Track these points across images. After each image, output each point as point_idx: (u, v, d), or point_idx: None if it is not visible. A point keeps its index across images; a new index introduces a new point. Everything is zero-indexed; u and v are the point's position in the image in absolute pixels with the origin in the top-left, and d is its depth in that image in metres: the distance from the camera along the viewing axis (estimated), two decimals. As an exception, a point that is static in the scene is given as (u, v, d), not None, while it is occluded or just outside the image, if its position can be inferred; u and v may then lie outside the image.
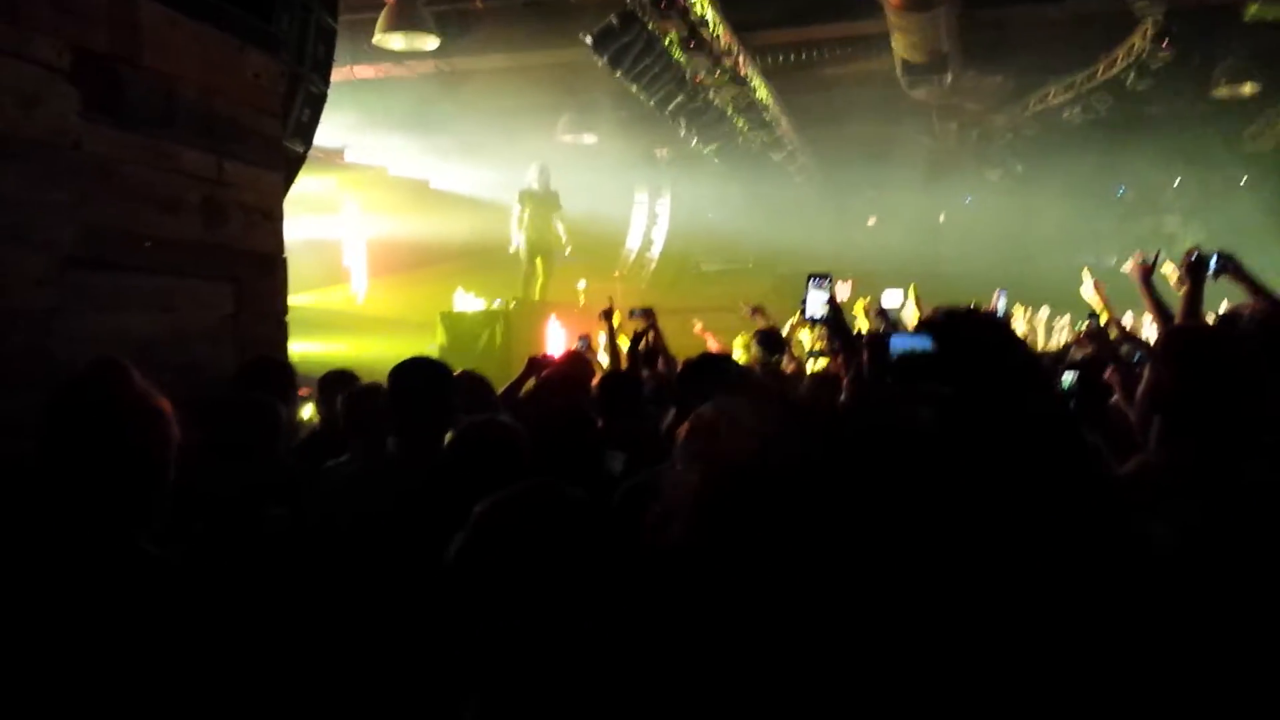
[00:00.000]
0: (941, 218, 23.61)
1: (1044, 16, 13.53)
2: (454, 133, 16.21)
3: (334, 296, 17.42)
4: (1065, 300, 10.36)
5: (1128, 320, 7.24)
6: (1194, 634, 0.97)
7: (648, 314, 6.05)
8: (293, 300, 5.38)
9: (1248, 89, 14.21)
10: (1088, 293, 5.99)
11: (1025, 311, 12.34)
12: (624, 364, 6.51)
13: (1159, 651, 0.95)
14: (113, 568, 1.90)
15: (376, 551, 2.69)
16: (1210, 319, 4.57)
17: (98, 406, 2.01)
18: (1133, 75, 13.65)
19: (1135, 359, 4.33)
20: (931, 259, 20.94)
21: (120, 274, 4.10)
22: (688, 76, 13.39)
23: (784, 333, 9.97)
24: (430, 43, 11.54)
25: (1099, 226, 21.72)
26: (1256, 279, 4.32)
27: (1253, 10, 11.27)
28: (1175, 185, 22.13)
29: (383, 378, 3.53)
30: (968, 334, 1.30)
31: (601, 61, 11.80)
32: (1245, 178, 21.16)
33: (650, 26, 11.65)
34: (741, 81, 13.81)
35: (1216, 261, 4.26)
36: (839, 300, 4.16)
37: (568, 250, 15.17)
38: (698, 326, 9.47)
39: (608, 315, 6.62)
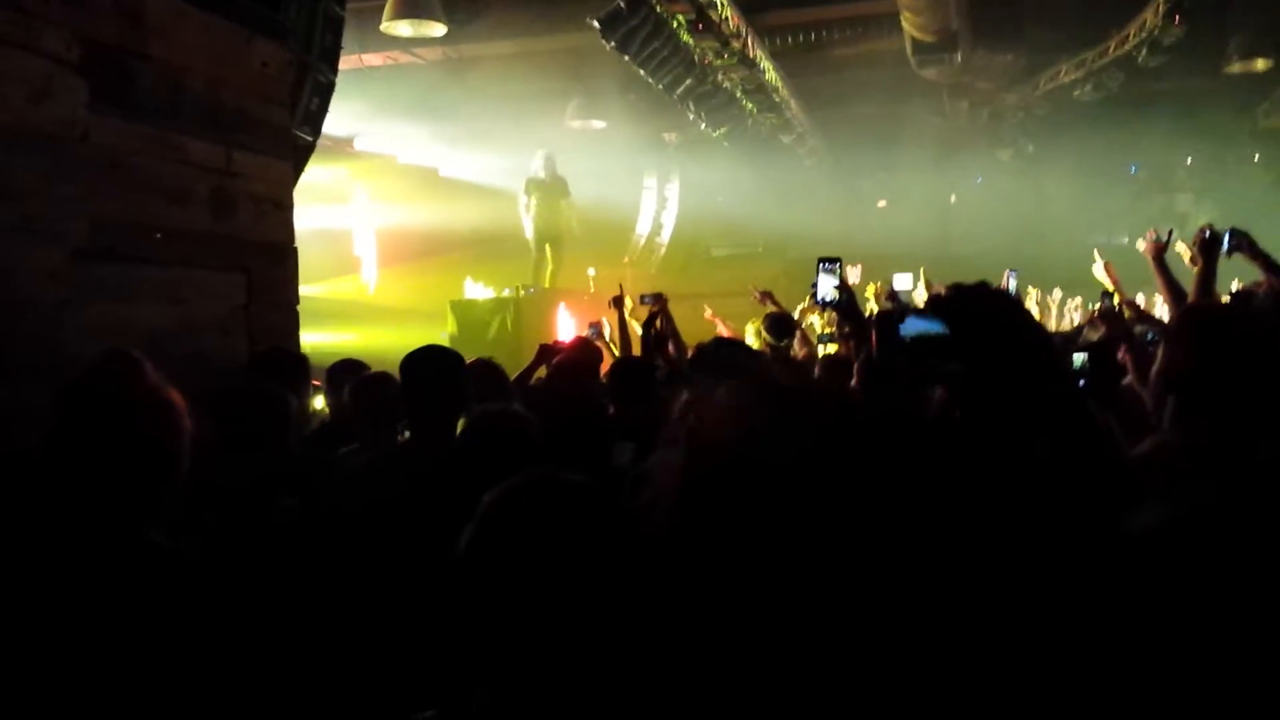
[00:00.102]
0: (952, 199, 23.50)
1: (1054, -7, 13.47)
2: (462, 120, 16.19)
3: (345, 287, 17.45)
4: (1078, 280, 10.32)
5: (1139, 300, 7.19)
6: (1198, 616, 0.96)
7: (658, 299, 6.04)
8: (304, 291, 5.38)
9: (1260, 65, 14.10)
10: (1098, 273, 5.97)
11: (1037, 293, 12.29)
12: (636, 350, 6.51)
13: (1154, 638, 0.94)
14: (120, 559, 1.90)
15: (388, 541, 2.70)
16: (1224, 299, 4.55)
17: (109, 398, 2.02)
18: (1144, 52, 13.55)
19: (1149, 338, 4.30)
20: (942, 240, 20.89)
21: (130, 266, 4.10)
22: (696, 59, 13.35)
23: (795, 317, 9.96)
24: (438, 30, 11.53)
25: (1111, 205, 21.60)
26: (1270, 256, 4.29)
27: None
28: (1187, 163, 21.98)
29: (394, 367, 3.53)
30: (976, 309, 1.29)
31: (609, 45, 11.76)
32: (1258, 155, 21.01)
33: (658, 9, 11.61)
34: (750, 64, 13.76)
35: (1230, 239, 4.23)
36: (849, 284, 4.14)
37: (575, 234, 15.16)
38: (708, 312, 9.45)
39: (618, 302, 6.61)
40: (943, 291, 1.36)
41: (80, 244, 3.83)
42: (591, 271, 15.32)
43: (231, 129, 4.73)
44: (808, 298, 8.58)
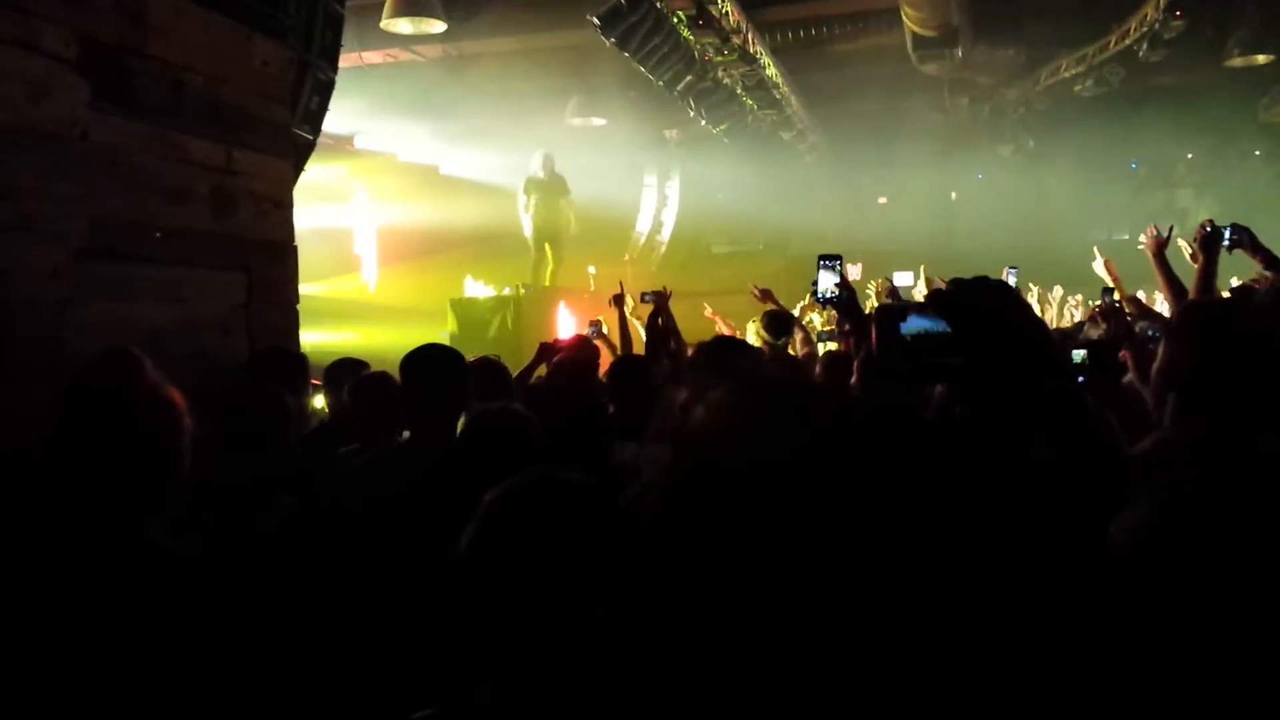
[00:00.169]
0: (953, 195, 23.50)
1: (1055, -13, 13.47)
2: (463, 117, 16.19)
3: (345, 285, 17.46)
4: (1079, 277, 10.31)
5: (1140, 297, 7.19)
6: (1179, 612, 0.96)
7: (659, 296, 6.04)
8: (304, 290, 5.37)
9: (1261, 59, 14.08)
10: (1098, 269, 5.97)
11: (1038, 289, 12.29)
12: (636, 349, 6.51)
13: (1137, 630, 0.94)
14: (121, 558, 1.90)
15: (389, 540, 2.70)
16: (1224, 295, 4.54)
17: (109, 396, 2.02)
18: (1145, 46, 13.55)
19: (1150, 335, 4.30)
20: (943, 237, 20.90)
21: (130, 264, 4.10)
22: (696, 55, 13.34)
23: (795, 315, 9.96)
24: (437, 27, 11.53)
25: (1112, 201, 21.60)
26: (1271, 252, 4.28)
27: None
28: (1188, 158, 21.96)
29: (395, 366, 3.53)
30: (977, 303, 1.29)
31: (610, 42, 11.76)
32: (1259, 150, 20.99)
33: (658, 5, 11.61)
34: (751, 59, 13.75)
35: (1231, 234, 4.23)
36: (850, 281, 4.14)
37: (573, 233, 15.15)
38: (708, 310, 9.45)
39: (618, 300, 6.61)
40: (943, 286, 1.36)
41: (80, 243, 3.83)
42: (592, 269, 15.32)
43: (232, 127, 4.73)
44: (808, 295, 8.57)
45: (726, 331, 8.38)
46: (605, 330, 6.99)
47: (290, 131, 5.46)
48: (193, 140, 4.48)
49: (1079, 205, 21.22)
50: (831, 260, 3.85)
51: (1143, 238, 4.73)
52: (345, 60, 6.70)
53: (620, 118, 16.75)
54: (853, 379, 3.78)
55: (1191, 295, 4.13)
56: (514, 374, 5.04)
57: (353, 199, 18.16)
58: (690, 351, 5.30)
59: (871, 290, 8.01)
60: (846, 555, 0.77)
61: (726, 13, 12.20)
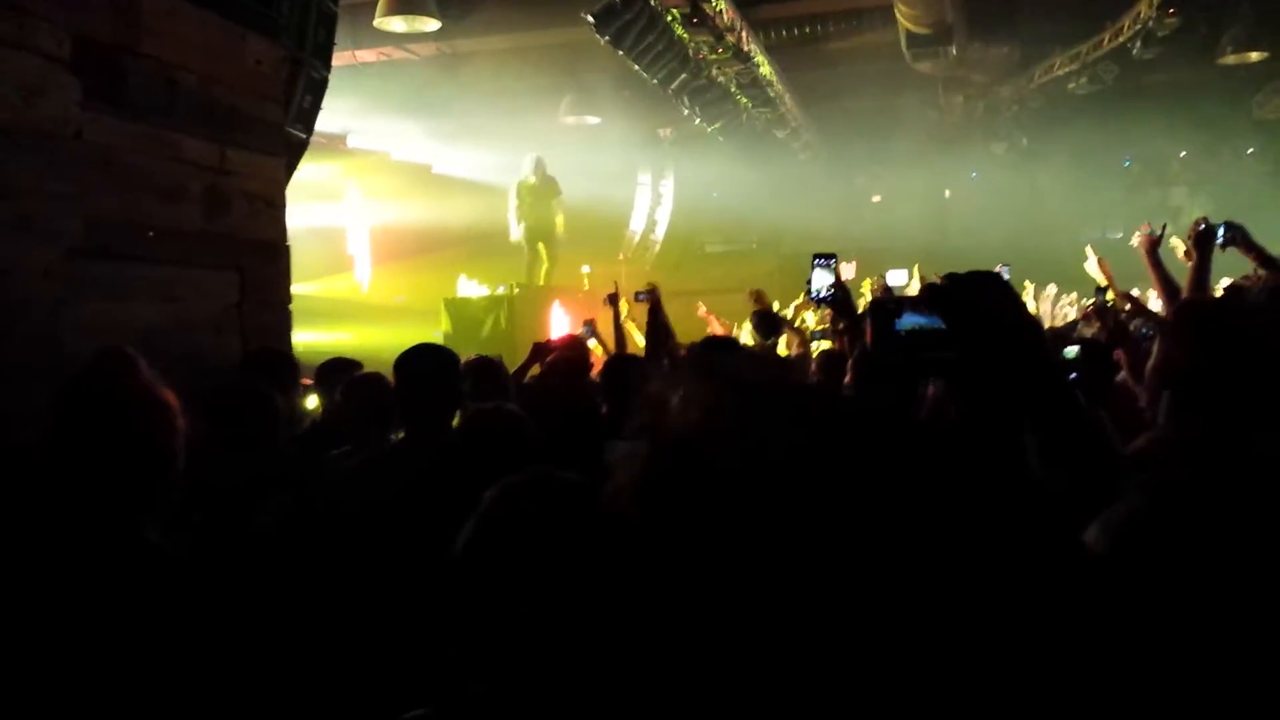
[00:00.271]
0: (947, 193, 23.52)
1: (1049, -15, 13.49)
2: (456, 116, 16.17)
3: (339, 285, 17.43)
4: (1073, 275, 10.33)
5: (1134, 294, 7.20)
6: (1163, 612, 0.96)
7: (652, 293, 6.03)
8: (298, 289, 5.37)
9: (1255, 56, 14.10)
10: (1091, 268, 5.97)
11: (1033, 287, 12.32)
12: (630, 348, 6.51)
13: (1120, 631, 0.94)
14: (114, 558, 1.90)
15: (385, 540, 2.69)
16: (1216, 293, 4.55)
17: (104, 396, 2.01)
18: (1139, 44, 13.57)
19: (1145, 333, 4.30)
20: (937, 235, 20.92)
21: (124, 264, 4.09)
22: (690, 54, 13.33)
23: (789, 314, 9.98)
24: (431, 25, 11.51)
25: (1105, 199, 21.63)
26: (1265, 250, 4.29)
27: None
28: (1182, 156, 22.00)
29: (388, 366, 3.52)
30: (970, 296, 1.29)
31: (604, 40, 11.74)
32: (1253, 147, 21.03)
33: (652, 3, 11.59)
34: (745, 58, 13.75)
35: (1225, 232, 4.23)
36: (844, 280, 4.14)
37: (561, 236, 15.14)
38: (701, 309, 9.46)
39: (613, 299, 6.61)
40: (937, 281, 1.36)
41: (74, 242, 3.82)
42: (586, 269, 15.31)
43: (225, 126, 4.72)
44: (802, 294, 8.58)
45: (720, 330, 8.39)
46: (599, 330, 6.99)
47: (283, 130, 5.45)
48: (186, 139, 4.47)
49: (1073, 203, 21.24)
50: (826, 259, 3.86)
51: (1136, 236, 4.73)
52: (338, 58, 6.68)
53: (614, 116, 16.73)
54: (847, 378, 3.79)
55: (1185, 294, 4.14)
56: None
57: (346, 198, 18.13)
58: (683, 351, 5.31)
59: (866, 289, 8.03)
60: (827, 555, 0.77)
61: (720, 10, 12.19)
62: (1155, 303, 6.06)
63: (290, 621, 2.31)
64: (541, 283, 14.66)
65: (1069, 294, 12.35)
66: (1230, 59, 14.23)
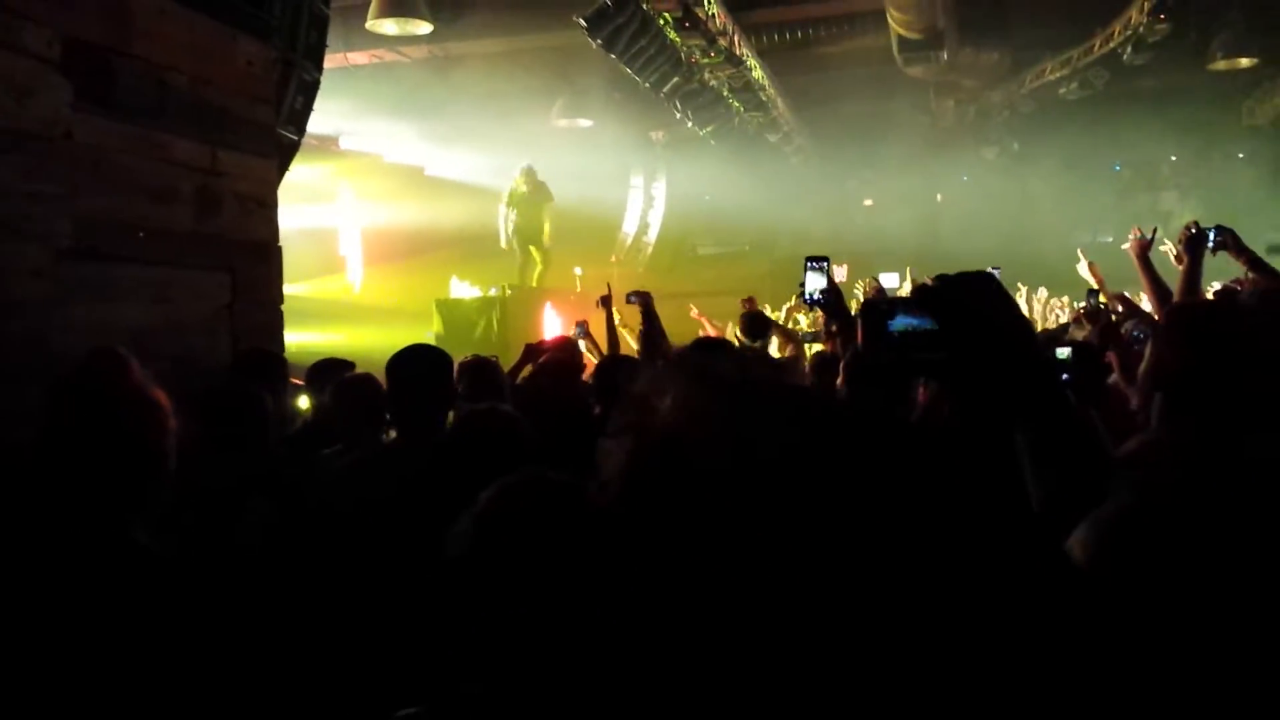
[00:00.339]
0: (938, 197, 23.58)
1: (1040, -9, 13.53)
2: (449, 118, 16.17)
3: (331, 286, 17.41)
4: (1063, 278, 10.35)
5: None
6: (1152, 610, 0.96)
7: (643, 297, 6.03)
8: (290, 290, 5.35)
9: (1245, 62, 14.17)
10: (1083, 271, 5.99)
11: (1025, 290, 12.34)
12: (623, 349, 6.51)
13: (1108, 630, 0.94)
14: (104, 559, 1.89)
15: (378, 541, 2.69)
16: (1208, 298, 4.56)
17: (96, 396, 2.00)
18: (1129, 49, 13.62)
19: (1136, 335, 4.31)
20: (929, 239, 20.96)
21: (114, 265, 4.08)
22: (683, 57, 13.35)
23: (780, 316, 9.99)
24: (423, 28, 11.51)
25: (1096, 203, 21.69)
26: (1255, 254, 4.30)
27: None
28: (1172, 161, 22.09)
29: (381, 366, 3.51)
30: (961, 296, 1.29)
31: (596, 44, 11.75)
32: (1243, 152, 21.12)
33: (644, 7, 11.60)
34: (737, 61, 13.77)
35: (1215, 236, 4.24)
36: (836, 283, 4.14)
37: (546, 244, 15.15)
38: (694, 311, 9.46)
39: (606, 302, 6.60)
40: (929, 282, 1.36)
41: (65, 243, 3.81)
42: (578, 270, 15.31)
43: (216, 127, 4.71)
44: (794, 296, 8.59)
45: (712, 332, 8.40)
46: (591, 331, 6.98)
47: (275, 132, 5.44)
48: (177, 140, 4.46)
49: (1063, 207, 21.30)
50: (819, 262, 3.86)
51: (1130, 238, 4.74)
52: (330, 60, 6.67)
53: (606, 119, 16.75)
54: (839, 380, 3.79)
55: (1176, 297, 4.15)
56: (500, 375, 5.02)
57: (338, 199, 18.11)
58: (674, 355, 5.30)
59: (859, 291, 8.04)
60: (806, 553, 0.77)
61: (713, 14, 12.20)
62: (1146, 305, 6.08)
63: (280, 622, 2.30)
64: (535, 284, 14.66)
65: (1060, 297, 12.37)
66: (1220, 65, 14.30)
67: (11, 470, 2.07)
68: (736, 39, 13.29)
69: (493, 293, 13.73)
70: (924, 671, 0.75)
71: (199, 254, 4.57)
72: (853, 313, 4.13)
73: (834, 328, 4.82)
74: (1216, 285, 5.52)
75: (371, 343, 10.39)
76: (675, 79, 13.90)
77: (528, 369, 5.60)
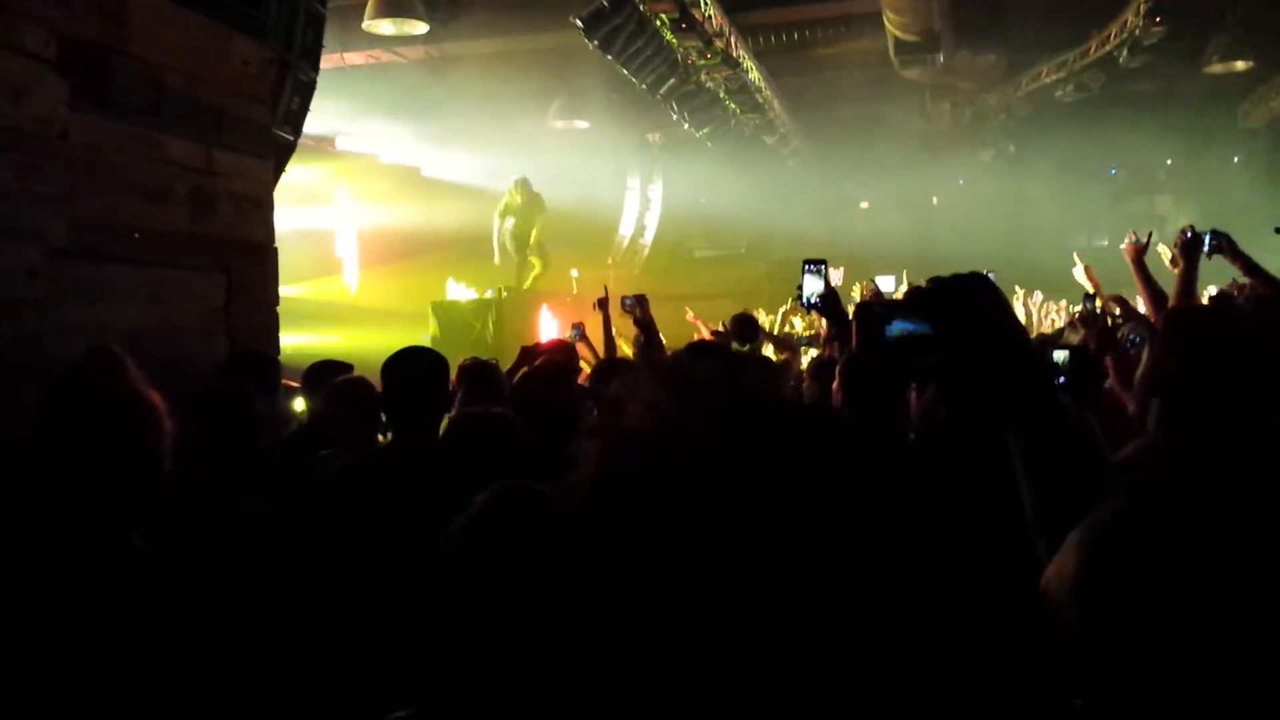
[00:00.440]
0: (934, 200, 23.61)
1: (1036, -7, 13.55)
2: (445, 119, 16.15)
3: (327, 287, 17.38)
4: (1059, 281, 10.37)
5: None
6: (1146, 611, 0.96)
7: (640, 301, 6.02)
8: (286, 292, 5.34)
9: (1240, 65, 14.19)
10: (1079, 275, 6.00)
11: (1022, 293, 12.36)
12: (620, 352, 6.50)
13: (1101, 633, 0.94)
14: (101, 562, 1.89)
15: (376, 542, 2.68)
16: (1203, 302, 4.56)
17: (93, 397, 1.99)
18: (1125, 52, 13.64)
19: (1132, 339, 4.31)
20: (925, 242, 20.97)
21: (109, 265, 4.07)
22: (679, 59, 13.35)
23: (776, 319, 9.99)
24: (420, 28, 11.50)
25: (1092, 206, 21.74)
26: (1250, 258, 4.31)
27: None
28: (1168, 164, 22.13)
29: (376, 368, 3.51)
30: (954, 299, 1.29)
31: (592, 45, 11.74)
32: (1238, 155, 21.16)
33: (641, 8, 11.59)
34: (733, 63, 13.77)
35: (1210, 240, 4.24)
36: (833, 286, 4.13)
37: (533, 250, 15.16)
38: (690, 314, 9.46)
39: (603, 304, 6.59)
40: (923, 284, 1.36)
41: (59, 243, 3.80)
42: (575, 272, 15.30)
43: (212, 127, 4.70)
44: (790, 299, 8.59)
45: (708, 335, 8.39)
46: (588, 333, 6.97)
47: (271, 132, 5.43)
48: (172, 140, 4.44)
49: (1059, 210, 21.33)
50: (816, 265, 3.85)
51: (1125, 241, 4.75)
52: (327, 61, 6.66)
53: (603, 121, 16.75)
54: (835, 384, 3.78)
55: (1172, 301, 4.15)
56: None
57: (334, 200, 18.08)
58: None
59: (856, 294, 8.04)
60: (769, 554, 0.79)
61: (709, 16, 12.21)
62: (1141, 309, 6.09)
63: (276, 624, 2.29)
64: (528, 286, 14.66)
65: (1057, 301, 12.39)
66: (1216, 68, 14.32)
67: (7, 471, 2.06)
68: (733, 40, 13.30)
69: (489, 295, 13.71)
70: (876, 670, 0.76)
71: (194, 255, 4.56)
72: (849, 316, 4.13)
73: (833, 331, 4.82)
74: (1212, 289, 5.53)
75: (367, 344, 10.38)
76: (672, 80, 13.89)
77: (523, 371, 5.60)
